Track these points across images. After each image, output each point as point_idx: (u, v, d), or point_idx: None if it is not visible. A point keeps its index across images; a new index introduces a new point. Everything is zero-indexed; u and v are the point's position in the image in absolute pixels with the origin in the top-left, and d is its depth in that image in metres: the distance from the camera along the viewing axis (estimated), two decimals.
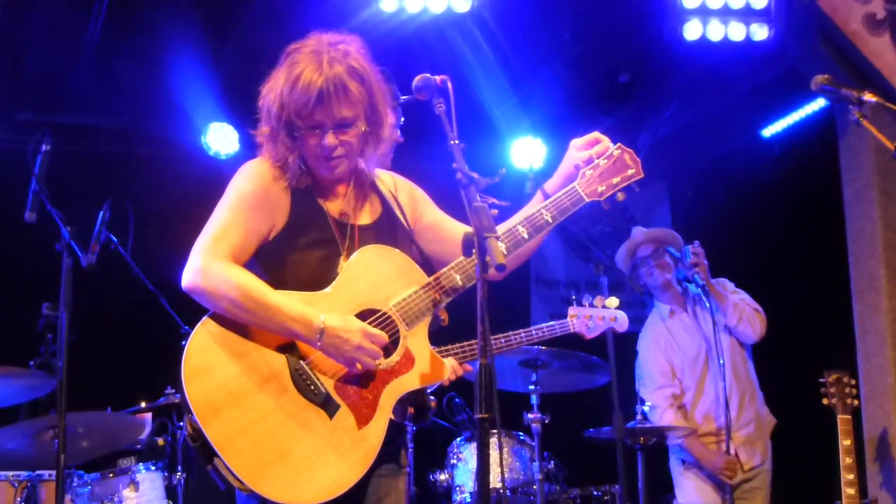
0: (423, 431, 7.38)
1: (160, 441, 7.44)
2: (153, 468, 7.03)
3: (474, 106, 9.63)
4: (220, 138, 9.77)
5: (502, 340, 5.93)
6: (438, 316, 4.49)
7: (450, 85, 3.93)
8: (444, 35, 8.53)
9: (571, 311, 6.16)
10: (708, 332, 7.47)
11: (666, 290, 7.74)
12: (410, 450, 7.19)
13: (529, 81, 9.72)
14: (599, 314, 6.16)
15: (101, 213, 6.29)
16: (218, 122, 9.74)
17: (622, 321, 6.22)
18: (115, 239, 6.42)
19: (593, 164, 4.31)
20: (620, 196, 4.32)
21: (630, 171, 4.34)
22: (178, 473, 7.19)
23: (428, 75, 3.96)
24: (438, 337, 4.24)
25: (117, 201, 6.40)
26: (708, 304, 7.35)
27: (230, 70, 9.08)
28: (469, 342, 5.40)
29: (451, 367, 5.07)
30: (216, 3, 8.53)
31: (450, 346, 5.41)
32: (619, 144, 4.37)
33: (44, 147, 5.80)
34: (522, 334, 5.96)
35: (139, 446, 7.41)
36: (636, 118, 10.55)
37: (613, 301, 6.19)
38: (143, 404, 7.34)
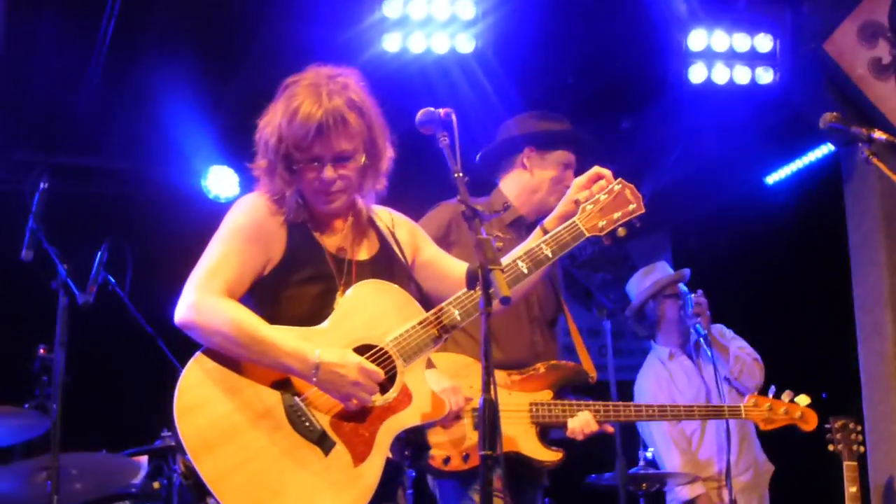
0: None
1: (156, 485, 7.31)
2: None
3: (478, 148, 9.59)
4: (221, 181, 9.75)
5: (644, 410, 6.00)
6: (587, 373, 4.70)
7: (454, 117, 3.90)
8: (448, 76, 8.48)
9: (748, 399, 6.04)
10: (707, 378, 7.42)
11: (673, 329, 7.65)
12: (410, 493, 7.08)
13: None
14: (781, 406, 5.98)
15: (100, 253, 6.22)
16: (218, 165, 9.72)
17: (811, 421, 5.98)
18: (112, 280, 6.35)
19: (594, 199, 4.29)
20: (621, 231, 4.30)
21: (631, 206, 4.34)
22: None
23: (431, 109, 3.92)
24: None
25: (116, 242, 6.32)
26: (709, 353, 7.30)
27: (231, 113, 9.05)
28: (612, 403, 5.49)
29: (584, 421, 5.11)
30: (217, 46, 8.51)
31: (590, 402, 5.37)
32: (619, 180, 4.39)
33: (42, 185, 5.74)
34: (669, 409, 6.02)
35: (134, 490, 7.27)
36: (639, 165, 10.50)
37: (804, 399, 5.96)
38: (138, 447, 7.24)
